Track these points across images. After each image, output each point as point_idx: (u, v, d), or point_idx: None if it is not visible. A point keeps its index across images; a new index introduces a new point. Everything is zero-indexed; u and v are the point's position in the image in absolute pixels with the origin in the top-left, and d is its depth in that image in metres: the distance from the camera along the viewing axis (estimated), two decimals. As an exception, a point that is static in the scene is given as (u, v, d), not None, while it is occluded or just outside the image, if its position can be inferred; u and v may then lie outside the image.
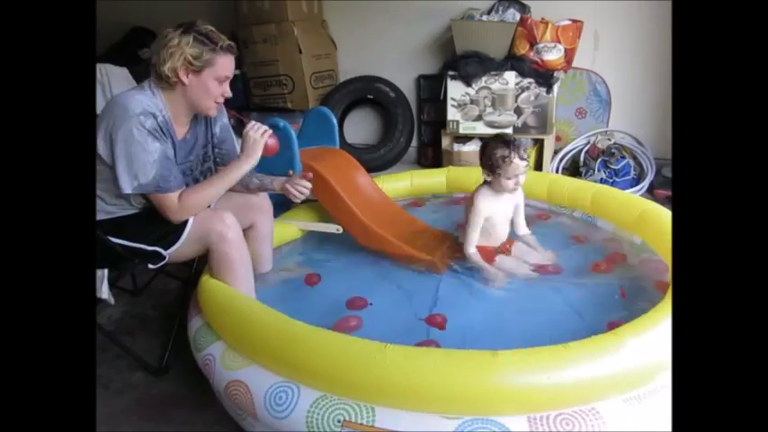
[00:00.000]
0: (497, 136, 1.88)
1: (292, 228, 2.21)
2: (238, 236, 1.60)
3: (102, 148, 1.47)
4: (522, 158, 1.81)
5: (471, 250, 1.90)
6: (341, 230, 1.97)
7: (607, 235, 2.15)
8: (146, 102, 1.48)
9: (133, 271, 2.11)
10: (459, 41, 3.19)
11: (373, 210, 2.17)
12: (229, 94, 1.59)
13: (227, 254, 1.57)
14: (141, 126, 1.45)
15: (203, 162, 1.72)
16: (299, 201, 1.79)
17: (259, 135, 1.64)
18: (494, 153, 1.83)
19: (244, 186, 1.78)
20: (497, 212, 1.92)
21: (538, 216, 2.35)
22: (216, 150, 1.76)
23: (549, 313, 1.65)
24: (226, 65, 1.54)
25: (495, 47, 3.14)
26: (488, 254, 1.92)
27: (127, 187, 1.49)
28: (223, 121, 1.77)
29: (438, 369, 1.14)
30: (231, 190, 1.69)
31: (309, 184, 1.76)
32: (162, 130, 1.51)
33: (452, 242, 2.07)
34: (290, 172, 2.04)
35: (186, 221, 1.56)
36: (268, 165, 2.08)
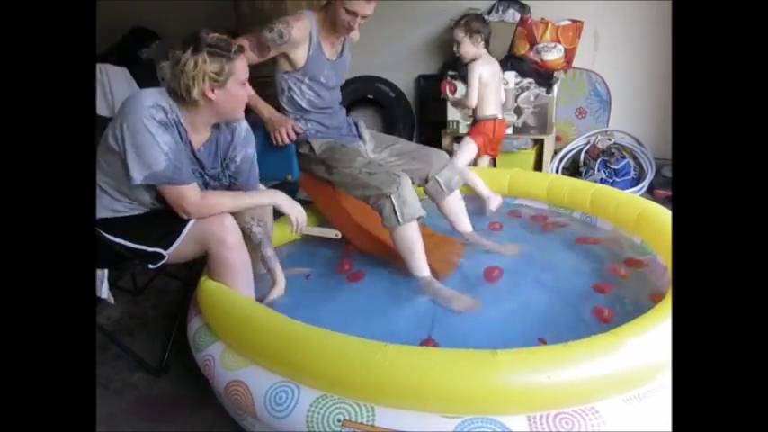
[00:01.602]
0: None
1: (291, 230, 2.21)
2: (238, 239, 1.58)
3: (112, 137, 1.45)
4: None
5: None
6: (340, 236, 1.96)
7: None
8: (159, 97, 1.47)
9: (133, 271, 2.11)
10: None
11: (372, 214, 2.16)
12: (251, 90, 1.60)
13: (226, 258, 1.56)
14: (152, 117, 1.43)
15: (215, 179, 1.68)
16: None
17: (299, 220, 1.73)
18: None
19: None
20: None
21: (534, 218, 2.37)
22: (230, 175, 1.72)
23: (551, 312, 1.65)
24: (243, 67, 1.52)
25: (495, 47, 3.14)
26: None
27: (138, 176, 1.46)
28: (247, 152, 1.71)
29: (438, 368, 1.14)
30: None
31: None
32: (172, 125, 1.48)
33: (454, 247, 2.06)
34: (289, 177, 2.03)
35: (186, 222, 1.55)
36: (265, 169, 2.07)
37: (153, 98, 1.46)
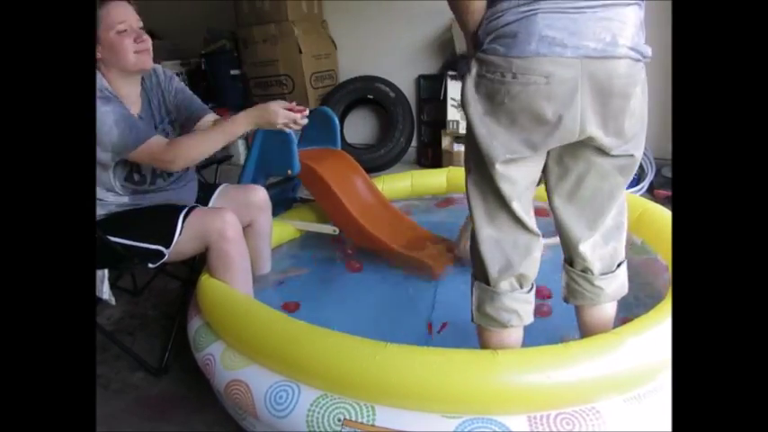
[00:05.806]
0: None
1: (290, 228, 2.22)
2: (238, 234, 1.60)
3: None
4: None
5: None
6: (337, 232, 1.96)
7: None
8: None
9: (133, 271, 2.11)
10: (459, 41, 3.19)
11: (371, 212, 2.16)
12: (147, 37, 1.50)
13: (226, 252, 1.57)
14: None
15: (166, 135, 1.68)
16: (297, 127, 1.68)
17: (281, 116, 1.58)
18: None
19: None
20: None
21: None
22: (175, 116, 1.73)
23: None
24: (113, 14, 1.43)
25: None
26: None
27: (106, 157, 1.47)
28: (176, 87, 1.72)
29: (438, 368, 1.14)
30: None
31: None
32: (110, 97, 1.48)
33: (449, 246, 2.06)
34: (289, 172, 2.04)
35: (185, 219, 1.56)
36: (265, 165, 2.08)
37: None
